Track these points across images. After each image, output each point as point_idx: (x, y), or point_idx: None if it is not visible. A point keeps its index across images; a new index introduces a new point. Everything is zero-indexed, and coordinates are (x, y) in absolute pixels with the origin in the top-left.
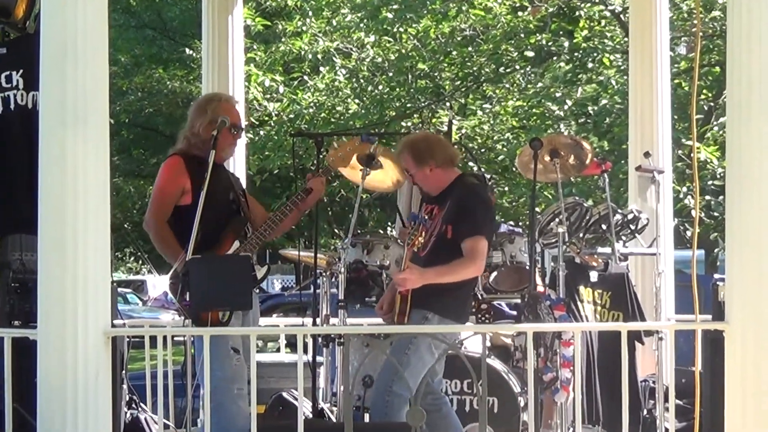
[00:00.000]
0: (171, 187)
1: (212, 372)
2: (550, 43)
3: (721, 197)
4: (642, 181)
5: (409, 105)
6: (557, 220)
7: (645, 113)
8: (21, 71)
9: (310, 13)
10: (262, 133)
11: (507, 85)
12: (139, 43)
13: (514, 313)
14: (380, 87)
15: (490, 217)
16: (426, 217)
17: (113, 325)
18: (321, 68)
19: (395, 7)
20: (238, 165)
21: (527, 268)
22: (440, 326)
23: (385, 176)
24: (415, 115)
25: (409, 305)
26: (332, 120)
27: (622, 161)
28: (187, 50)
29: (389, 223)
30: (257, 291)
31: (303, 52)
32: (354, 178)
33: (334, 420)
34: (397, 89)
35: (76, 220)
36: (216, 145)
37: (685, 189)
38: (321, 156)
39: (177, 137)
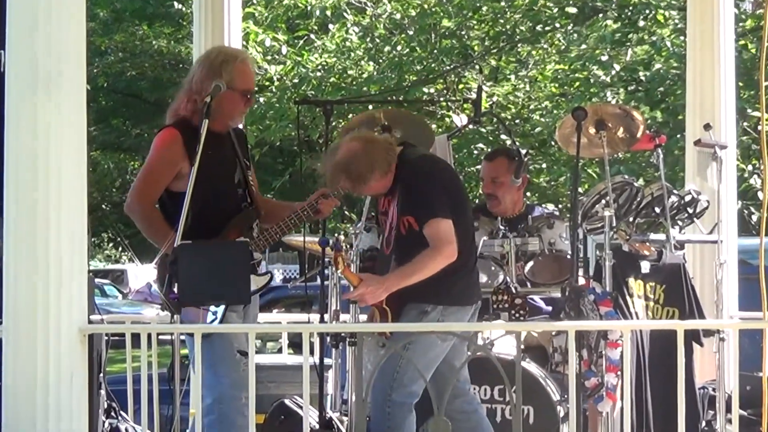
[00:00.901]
0: (163, 167)
1: (218, 379)
2: None
3: None
4: (701, 157)
5: (431, 68)
6: (603, 202)
7: (705, 79)
8: None
9: None
10: (261, 100)
11: (545, 46)
12: None
13: (550, 308)
14: (398, 47)
15: (447, 191)
16: (347, 239)
17: (90, 322)
18: (330, 26)
19: None
20: None
21: (568, 257)
22: (466, 324)
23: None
24: (438, 81)
25: (389, 316)
26: (343, 85)
27: (679, 135)
28: (175, 4)
29: (335, 244)
30: (257, 273)
31: (309, 7)
32: None
33: None
34: (418, 50)
35: (47, 200)
36: (209, 114)
37: (750, 167)
38: (330, 126)
39: (175, 97)
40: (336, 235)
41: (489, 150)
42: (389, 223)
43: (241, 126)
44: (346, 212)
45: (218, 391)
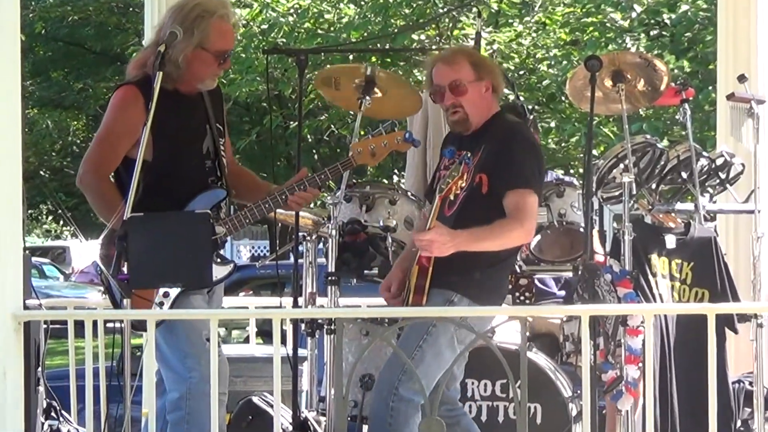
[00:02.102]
0: (121, 131)
1: (187, 371)
2: None
3: None
4: (735, 113)
5: (422, 12)
6: (621, 166)
7: (739, 23)
8: None
9: None
10: None
11: None
12: None
13: (563, 292)
14: None
15: (539, 167)
16: (459, 161)
17: (26, 307)
18: None
19: None
20: None
21: (581, 230)
22: (462, 309)
23: (390, 105)
24: (430, 26)
25: (428, 280)
26: (319, 32)
27: (709, 87)
28: None
29: (396, 171)
30: (217, 261)
31: None
32: (349, 106)
33: None
34: None
35: None
36: (162, 65)
37: None
38: (305, 79)
39: (140, 50)
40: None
41: None
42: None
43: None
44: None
45: (187, 385)
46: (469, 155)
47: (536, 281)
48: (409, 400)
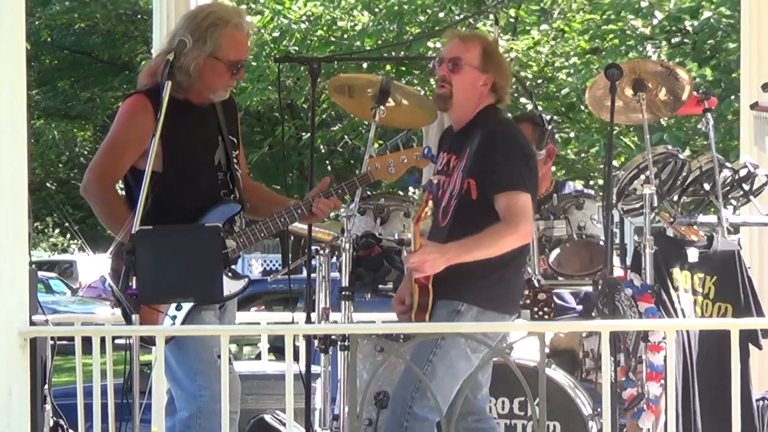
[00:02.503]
0: (129, 140)
1: (198, 390)
2: None
3: None
4: (759, 123)
5: (438, 19)
6: (642, 177)
7: (763, 30)
8: None
9: None
10: None
11: None
12: None
13: (580, 307)
14: None
15: (528, 166)
16: (435, 182)
17: (32, 323)
18: None
19: None
20: None
21: (601, 243)
22: (480, 324)
23: (404, 115)
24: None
25: (431, 297)
26: (332, 39)
27: (732, 96)
28: None
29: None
30: (229, 275)
31: None
32: (363, 115)
33: None
34: None
35: None
36: (172, 74)
37: None
38: (318, 88)
39: (151, 59)
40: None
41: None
42: (450, 190)
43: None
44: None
45: (197, 403)
46: (433, 183)
47: (556, 296)
48: (423, 419)
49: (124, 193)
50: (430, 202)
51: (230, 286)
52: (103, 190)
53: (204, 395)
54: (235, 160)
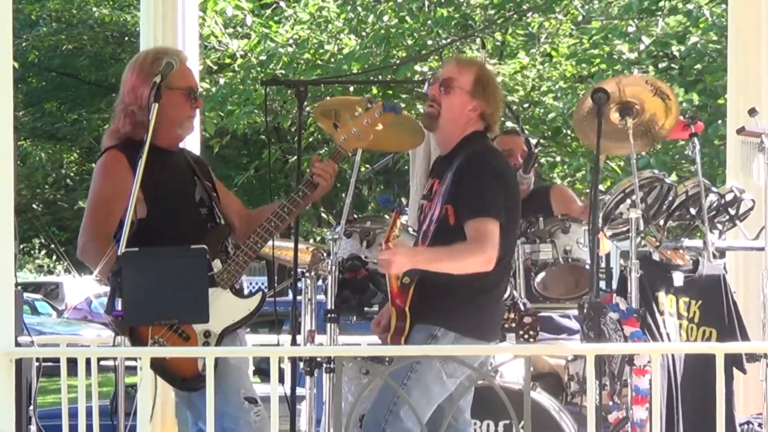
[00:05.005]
0: (112, 193)
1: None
2: None
3: None
4: (745, 148)
5: (424, 43)
6: (629, 201)
7: (750, 56)
8: None
9: None
10: (222, 81)
11: (560, 16)
12: None
13: (569, 324)
14: (386, 17)
15: (505, 194)
16: (404, 203)
17: (18, 344)
18: None
19: None
20: None
21: (587, 267)
22: (465, 347)
23: (391, 138)
24: (433, 57)
25: (408, 321)
26: (319, 63)
27: (719, 121)
28: None
29: (397, 205)
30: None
31: None
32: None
33: None
34: (409, 21)
35: None
36: (159, 96)
37: None
38: (305, 112)
39: (112, 116)
40: (399, 199)
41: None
42: (431, 214)
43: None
44: (324, 215)
45: None
46: (404, 202)
47: (557, 318)
48: None
49: None
50: (399, 222)
51: (243, 306)
52: (100, 246)
53: None
54: (215, 195)
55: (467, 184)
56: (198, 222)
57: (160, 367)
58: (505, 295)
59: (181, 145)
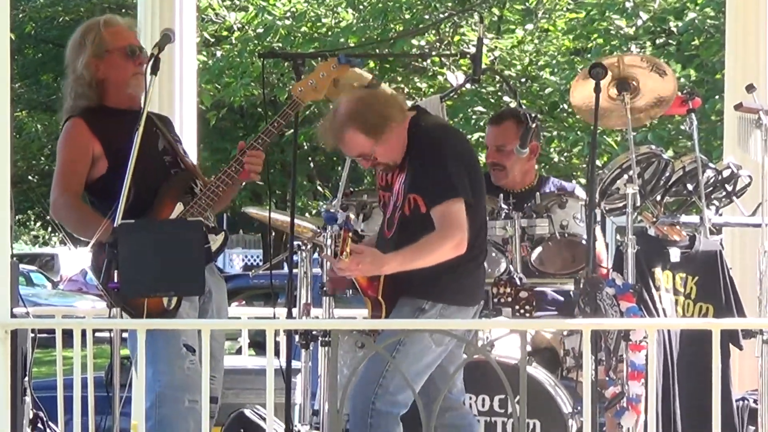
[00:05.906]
0: (77, 154)
1: (156, 376)
2: None
3: None
4: (743, 124)
5: (422, 17)
6: (626, 176)
7: (748, 31)
8: None
9: None
10: (219, 53)
11: None
12: None
13: (562, 299)
14: None
15: (466, 170)
16: (340, 226)
17: (13, 315)
18: None
19: None
20: (185, 98)
21: (583, 242)
22: (464, 321)
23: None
24: (430, 31)
25: (384, 310)
26: (316, 36)
27: (716, 97)
28: None
29: (344, 222)
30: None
31: None
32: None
33: None
34: None
35: None
36: (157, 68)
37: None
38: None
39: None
40: (346, 213)
41: (490, 114)
42: (393, 201)
43: (192, 89)
44: (319, 188)
45: (155, 391)
46: (349, 218)
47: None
48: (387, 413)
49: None
50: (349, 240)
51: (213, 243)
52: (71, 198)
53: (162, 381)
54: (176, 142)
55: (424, 171)
56: (161, 167)
57: (134, 310)
58: (501, 268)
59: (176, 116)
